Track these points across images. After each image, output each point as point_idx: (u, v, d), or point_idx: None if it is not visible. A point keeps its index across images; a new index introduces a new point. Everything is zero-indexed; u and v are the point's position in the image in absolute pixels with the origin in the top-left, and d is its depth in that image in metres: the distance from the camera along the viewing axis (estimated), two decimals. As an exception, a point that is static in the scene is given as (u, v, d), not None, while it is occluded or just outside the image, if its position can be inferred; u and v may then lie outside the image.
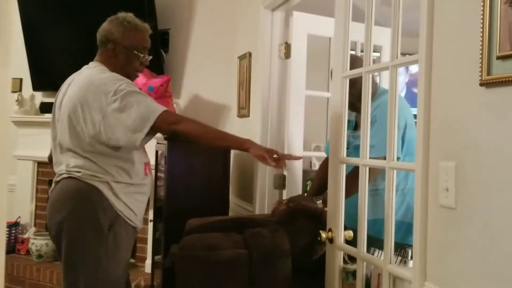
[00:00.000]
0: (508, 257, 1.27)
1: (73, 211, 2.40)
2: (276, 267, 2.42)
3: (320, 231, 2.30)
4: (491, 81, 1.28)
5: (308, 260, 2.57)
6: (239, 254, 2.41)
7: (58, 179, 2.49)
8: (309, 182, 4.13)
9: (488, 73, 1.29)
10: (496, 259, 1.31)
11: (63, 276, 2.49)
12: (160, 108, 2.41)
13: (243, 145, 2.43)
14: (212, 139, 2.51)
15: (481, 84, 1.32)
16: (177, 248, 2.49)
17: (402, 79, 5.43)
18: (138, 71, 2.64)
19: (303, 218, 2.60)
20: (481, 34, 1.32)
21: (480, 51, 1.32)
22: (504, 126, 1.28)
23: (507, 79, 1.23)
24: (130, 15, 2.58)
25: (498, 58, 1.27)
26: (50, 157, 2.68)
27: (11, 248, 4.69)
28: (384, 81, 3.41)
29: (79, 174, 2.41)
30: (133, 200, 2.50)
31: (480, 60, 1.32)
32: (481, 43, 1.32)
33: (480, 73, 1.32)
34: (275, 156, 2.34)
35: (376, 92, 2.78)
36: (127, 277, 2.65)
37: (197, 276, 2.39)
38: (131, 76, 2.60)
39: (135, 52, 2.54)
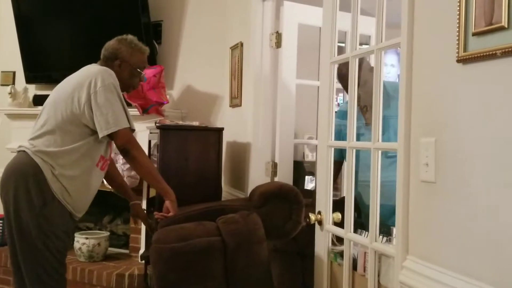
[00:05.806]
0: (486, 229, 1.31)
1: (16, 184, 2.54)
2: (251, 251, 2.46)
3: (310, 214, 2.34)
4: (468, 57, 1.32)
5: (284, 239, 2.62)
6: (213, 242, 2.45)
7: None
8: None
9: (465, 50, 1.34)
10: (474, 230, 1.35)
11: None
12: (126, 123, 2.59)
13: (167, 193, 2.71)
14: (152, 175, 2.73)
15: (458, 61, 1.37)
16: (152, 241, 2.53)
17: (395, 71, 5.44)
18: (135, 86, 2.93)
19: (276, 199, 2.64)
20: (458, 12, 1.36)
21: (457, 29, 1.36)
22: (480, 100, 1.32)
23: (482, 54, 1.27)
24: (135, 38, 2.87)
25: (474, 34, 1.31)
26: None
27: (5, 240, 4.70)
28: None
29: (29, 150, 2.55)
30: (75, 187, 2.60)
31: (457, 37, 1.36)
32: (458, 21, 1.36)
33: (457, 50, 1.36)
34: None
35: None
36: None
37: (173, 268, 2.41)
38: (129, 89, 2.91)
39: (138, 70, 2.84)
